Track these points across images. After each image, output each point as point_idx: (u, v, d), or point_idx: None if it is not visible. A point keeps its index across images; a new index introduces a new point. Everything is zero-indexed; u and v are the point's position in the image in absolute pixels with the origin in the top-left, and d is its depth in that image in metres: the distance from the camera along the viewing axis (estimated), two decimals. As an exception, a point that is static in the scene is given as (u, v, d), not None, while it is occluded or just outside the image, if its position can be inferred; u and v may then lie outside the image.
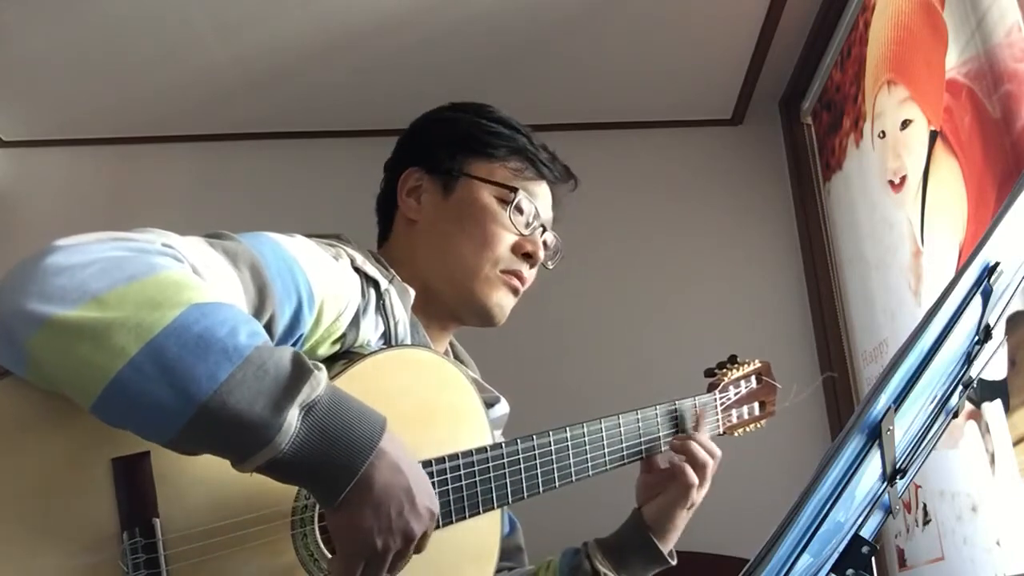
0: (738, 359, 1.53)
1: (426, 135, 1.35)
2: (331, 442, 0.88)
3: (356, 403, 0.92)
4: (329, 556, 1.00)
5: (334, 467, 0.88)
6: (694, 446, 1.32)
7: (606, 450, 1.29)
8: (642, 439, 1.33)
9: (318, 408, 0.88)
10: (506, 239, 1.28)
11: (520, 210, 1.29)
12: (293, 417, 0.86)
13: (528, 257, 1.30)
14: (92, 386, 0.82)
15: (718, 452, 1.35)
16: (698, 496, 1.33)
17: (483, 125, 1.32)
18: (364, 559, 0.93)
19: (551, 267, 1.37)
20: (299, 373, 0.87)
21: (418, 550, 0.98)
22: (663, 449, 1.36)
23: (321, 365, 0.91)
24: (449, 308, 1.29)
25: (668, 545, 1.34)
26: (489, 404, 1.22)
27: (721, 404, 1.46)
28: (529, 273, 1.31)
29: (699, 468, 1.32)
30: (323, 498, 0.92)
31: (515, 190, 1.29)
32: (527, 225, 1.30)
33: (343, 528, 0.92)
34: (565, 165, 1.38)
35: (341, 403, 0.90)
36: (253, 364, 0.85)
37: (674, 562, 1.35)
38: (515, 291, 1.30)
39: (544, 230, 1.33)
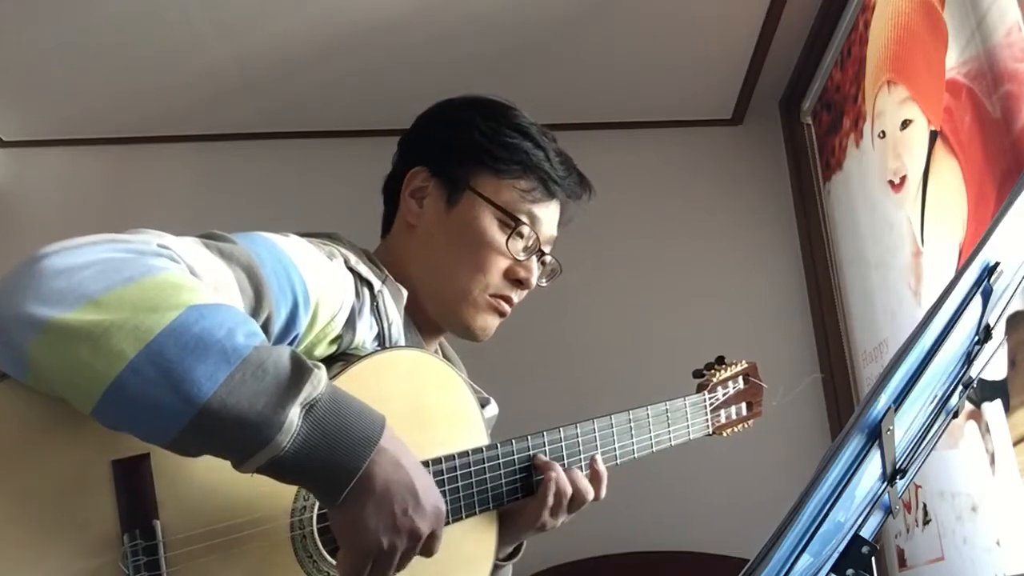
0: (726, 360, 1.53)
1: (439, 133, 1.30)
2: (332, 440, 0.88)
3: (356, 402, 0.92)
4: (328, 558, 1.00)
5: (335, 466, 0.89)
6: (556, 470, 1.20)
7: (599, 451, 1.29)
8: (634, 440, 1.34)
9: (319, 407, 0.88)
10: (500, 264, 1.25)
11: (520, 235, 1.25)
12: (295, 416, 0.86)
13: (519, 283, 1.27)
14: (92, 389, 0.82)
15: (588, 492, 1.22)
16: (552, 523, 1.20)
17: (499, 136, 1.26)
18: (371, 558, 0.93)
19: (544, 285, 1.33)
20: (299, 372, 0.88)
21: (427, 552, 0.98)
22: (653, 450, 1.37)
23: (320, 364, 0.91)
24: (432, 319, 1.27)
25: (501, 552, 1.24)
26: (480, 405, 1.22)
27: (710, 404, 1.47)
28: (518, 296, 1.28)
29: (557, 496, 1.19)
30: (325, 497, 0.92)
31: (518, 220, 1.25)
32: (524, 250, 1.26)
33: (347, 527, 0.92)
34: (580, 176, 1.33)
35: (341, 402, 0.90)
36: (252, 364, 0.85)
37: (516, 558, 1.28)
38: (502, 314, 1.28)
39: (542, 253, 1.29)
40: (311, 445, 0.87)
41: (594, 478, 1.25)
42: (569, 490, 1.20)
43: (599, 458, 1.26)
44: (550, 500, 1.18)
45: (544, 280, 1.32)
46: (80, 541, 0.87)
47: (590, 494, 1.23)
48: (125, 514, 0.88)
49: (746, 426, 1.55)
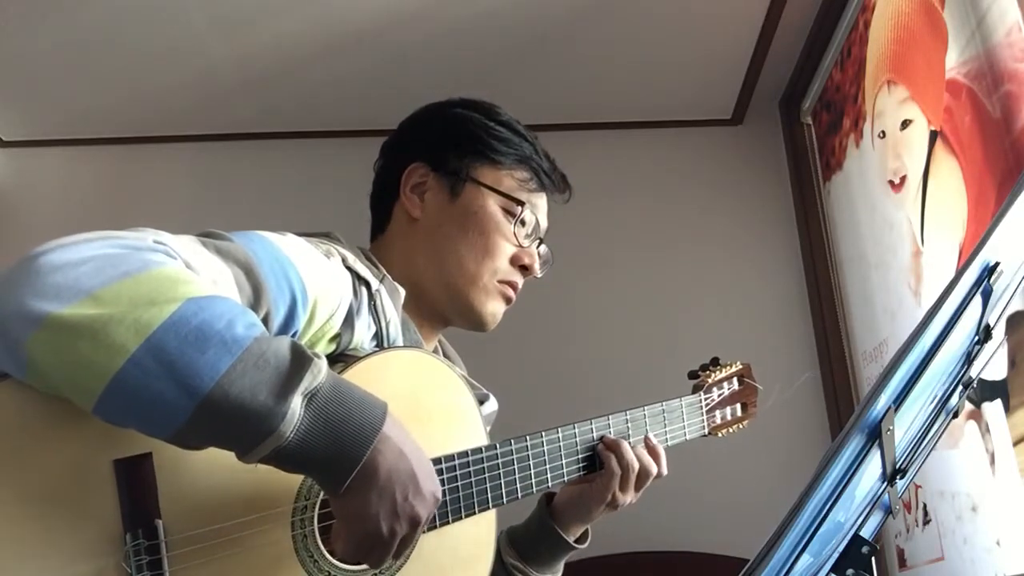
0: (720, 361, 1.54)
1: (433, 131, 1.33)
2: (335, 429, 0.88)
3: (357, 390, 0.93)
4: (329, 557, 1.00)
5: (339, 454, 0.89)
6: (624, 445, 1.30)
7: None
8: (631, 439, 1.34)
9: (320, 395, 0.88)
10: (507, 250, 1.29)
11: (523, 222, 1.30)
12: (297, 405, 0.86)
13: (525, 269, 1.31)
14: (94, 384, 0.82)
15: (651, 466, 1.32)
16: (621, 498, 1.30)
17: (491, 129, 1.31)
18: (371, 544, 0.94)
19: (540, 276, 1.37)
20: (300, 361, 0.88)
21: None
22: None
23: (320, 354, 0.91)
24: (440, 310, 1.30)
25: (573, 534, 1.35)
26: (479, 401, 1.23)
27: (706, 405, 1.47)
28: (521, 282, 1.32)
29: (624, 468, 1.29)
30: (329, 485, 0.92)
31: (522, 204, 1.29)
32: (527, 237, 1.31)
33: (349, 514, 0.93)
34: (563, 174, 1.38)
35: (342, 390, 0.91)
36: (253, 355, 0.85)
37: (584, 545, 1.37)
38: (508, 300, 1.31)
39: (540, 241, 1.34)
40: (314, 434, 0.87)
41: (652, 453, 1.33)
42: (636, 463, 1.29)
43: (651, 436, 1.34)
44: (617, 470, 1.27)
45: (541, 269, 1.36)
46: (82, 541, 0.87)
47: (653, 468, 1.32)
48: (127, 514, 0.88)
49: (741, 427, 1.55)
